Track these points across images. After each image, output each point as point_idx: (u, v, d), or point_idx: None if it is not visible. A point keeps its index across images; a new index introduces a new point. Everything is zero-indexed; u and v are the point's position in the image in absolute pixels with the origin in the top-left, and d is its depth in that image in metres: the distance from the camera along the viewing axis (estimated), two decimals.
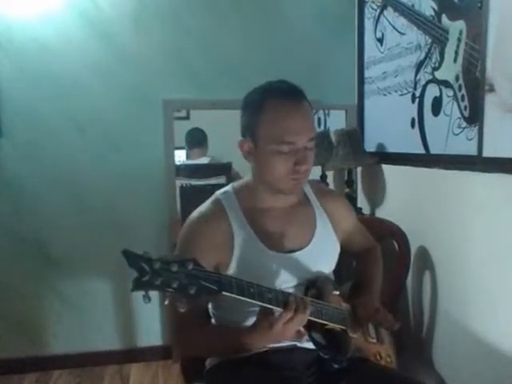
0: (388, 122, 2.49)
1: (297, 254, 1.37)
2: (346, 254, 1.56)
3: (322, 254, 1.42)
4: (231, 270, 1.29)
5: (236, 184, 1.44)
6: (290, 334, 1.15)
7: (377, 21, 2.52)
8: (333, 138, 2.65)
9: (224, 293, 1.06)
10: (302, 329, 1.17)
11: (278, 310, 1.14)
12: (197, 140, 3.05)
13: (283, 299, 1.14)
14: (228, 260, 1.31)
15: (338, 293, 1.41)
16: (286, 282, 1.31)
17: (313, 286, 1.34)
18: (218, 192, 1.42)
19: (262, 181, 1.35)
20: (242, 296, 1.09)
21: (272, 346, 1.30)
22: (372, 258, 1.61)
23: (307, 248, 1.39)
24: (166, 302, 1.03)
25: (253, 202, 1.38)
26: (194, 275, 1.01)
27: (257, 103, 1.29)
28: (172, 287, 0.98)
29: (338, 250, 1.48)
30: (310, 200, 1.47)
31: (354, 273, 1.62)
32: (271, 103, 1.26)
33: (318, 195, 1.49)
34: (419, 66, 2.16)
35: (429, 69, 2.09)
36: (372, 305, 1.42)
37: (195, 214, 1.38)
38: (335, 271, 1.51)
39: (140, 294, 0.96)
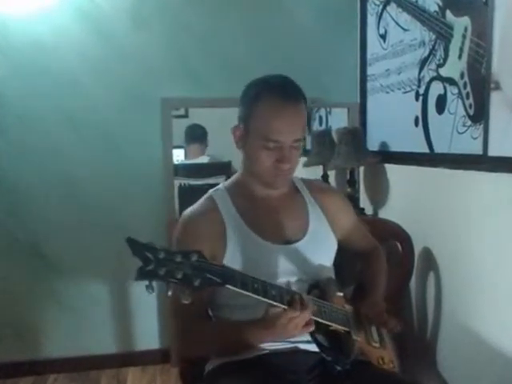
0: (391, 121, 2.47)
1: (293, 246, 1.38)
2: (348, 255, 1.55)
3: (319, 247, 1.42)
4: (225, 263, 1.28)
5: (227, 181, 1.49)
6: (293, 331, 1.16)
7: (380, 17, 2.51)
8: (335, 136, 2.63)
9: (228, 286, 1.07)
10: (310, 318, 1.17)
11: (281, 306, 1.14)
12: (196, 135, 3.04)
13: (288, 297, 1.15)
14: (222, 254, 1.32)
15: (341, 294, 1.41)
16: (286, 275, 1.31)
17: (316, 286, 1.34)
18: (211, 190, 1.46)
19: (249, 170, 1.40)
20: (246, 290, 1.10)
21: (273, 348, 1.31)
22: (375, 259, 1.60)
23: (303, 240, 1.40)
24: (169, 293, 1.02)
25: (244, 195, 1.41)
26: (199, 267, 1.02)
27: (252, 96, 1.33)
28: (176, 278, 0.99)
29: (335, 243, 1.48)
30: (300, 191, 1.50)
31: (357, 275, 1.61)
32: (264, 99, 1.30)
33: (311, 190, 1.51)
34: (423, 62, 2.14)
35: (433, 66, 2.07)
36: (376, 306, 1.42)
37: (188, 211, 1.42)
38: (338, 273, 1.49)
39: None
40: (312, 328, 1.19)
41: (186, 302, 1.01)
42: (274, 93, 1.30)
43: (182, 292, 1.01)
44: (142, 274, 0.97)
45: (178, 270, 0.99)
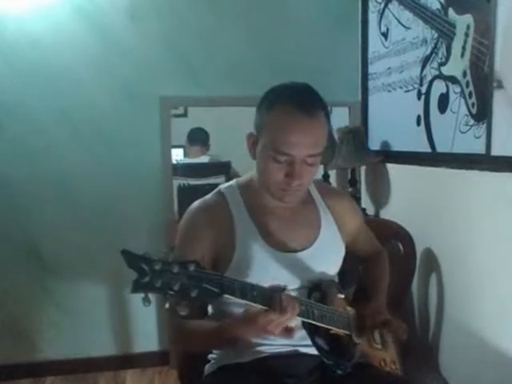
0: (393, 120, 2.46)
1: (299, 255, 1.34)
2: (351, 258, 1.53)
3: (326, 256, 1.39)
4: (233, 265, 1.29)
5: (241, 179, 1.43)
6: (273, 331, 1.12)
7: (381, 15, 2.49)
8: (336, 136, 2.61)
9: (226, 296, 1.05)
10: (292, 325, 1.14)
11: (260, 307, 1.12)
12: (198, 137, 3.03)
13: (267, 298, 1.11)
14: (230, 253, 1.30)
15: (343, 296, 1.39)
16: (289, 283, 1.27)
17: (317, 288, 1.33)
18: (222, 186, 1.42)
19: (259, 180, 1.34)
20: (245, 299, 1.08)
21: (273, 351, 1.30)
22: (379, 264, 1.58)
23: (310, 249, 1.36)
24: (167, 306, 1.02)
25: (256, 199, 1.37)
26: (196, 277, 1.00)
27: (269, 103, 1.27)
28: (173, 289, 0.97)
29: (343, 251, 1.45)
30: (314, 200, 1.45)
31: (359, 278, 1.59)
32: (281, 109, 1.23)
33: (323, 195, 1.47)
34: (425, 61, 2.13)
35: (435, 64, 2.06)
36: (380, 313, 1.39)
37: (196, 203, 1.38)
38: (340, 275, 1.48)
39: (139, 297, 0.95)
40: (292, 335, 1.15)
41: (184, 314, 1.01)
42: (290, 102, 1.22)
43: (179, 304, 1.01)
44: (138, 287, 0.95)
45: (174, 281, 0.97)
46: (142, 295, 0.95)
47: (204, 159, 3.07)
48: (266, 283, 1.13)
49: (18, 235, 2.54)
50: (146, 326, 2.69)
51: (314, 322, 1.22)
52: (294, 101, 1.22)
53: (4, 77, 2.44)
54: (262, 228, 1.33)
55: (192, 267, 0.99)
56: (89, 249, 2.58)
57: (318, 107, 1.25)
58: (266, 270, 1.28)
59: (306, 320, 1.22)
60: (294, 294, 1.22)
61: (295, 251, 1.34)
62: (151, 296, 0.96)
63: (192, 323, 1.28)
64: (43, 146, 2.51)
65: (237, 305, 1.25)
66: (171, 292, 0.97)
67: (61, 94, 2.48)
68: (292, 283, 1.29)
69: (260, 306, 1.10)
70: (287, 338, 1.16)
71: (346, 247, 1.46)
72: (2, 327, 2.57)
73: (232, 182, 1.42)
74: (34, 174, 2.52)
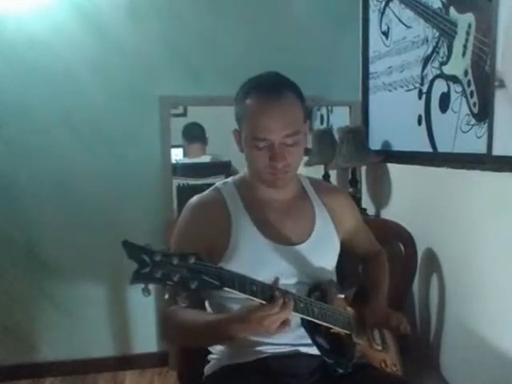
0: (394, 119, 2.45)
1: (295, 248, 1.36)
2: (351, 257, 1.54)
3: (321, 250, 1.40)
4: (227, 256, 1.31)
5: (236, 176, 1.47)
6: (269, 327, 1.11)
7: (382, 13, 2.49)
8: (336, 135, 2.61)
9: (226, 288, 1.06)
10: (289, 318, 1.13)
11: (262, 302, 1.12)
12: (196, 134, 3.01)
13: (268, 294, 1.11)
14: (225, 245, 1.32)
15: (342, 296, 1.40)
16: (286, 276, 1.29)
17: (317, 288, 1.33)
18: (218, 183, 1.45)
19: (250, 171, 1.39)
20: (244, 293, 1.08)
21: (274, 351, 1.31)
22: (378, 264, 1.59)
23: (306, 242, 1.38)
24: (166, 296, 1.03)
25: (251, 193, 1.40)
26: (196, 269, 1.01)
27: (242, 96, 1.31)
28: (173, 280, 0.98)
29: (338, 248, 1.47)
30: (309, 196, 1.47)
31: (359, 278, 1.60)
32: (252, 98, 1.28)
33: (318, 192, 1.48)
34: (426, 60, 2.12)
35: (436, 63, 2.05)
36: (381, 310, 1.40)
37: (194, 199, 1.41)
38: (340, 275, 1.48)
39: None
40: (288, 327, 1.14)
41: (184, 305, 1.02)
42: (257, 90, 1.28)
43: (178, 295, 1.02)
44: (138, 277, 0.95)
45: (174, 273, 0.97)
46: (142, 286, 0.96)
47: (205, 159, 3.05)
48: (262, 275, 1.13)
49: (17, 235, 2.54)
50: (145, 327, 2.67)
51: (313, 320, 1.22)
52: (261, 87, 1.28)
53: (4, 77, 2.44)
54: (258, 221, 1.35)
55: (192, 259, 1.00)
56: (88, 249, 2.57)
57: (285, 88, 1.29)
58: (263, 261, 1.30)
59: (305, 317, 1.22)
60: (292, 288, 1.22)
61: (292, 244, 1.36)
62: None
63: (183, 313, 1.26)
64: (43, 146, 2.51)
65: (234, 300, 1.26)
66: (170, 283, 0.97)
67: (61, 93, 2.48)
68: (289, 276, 1.31)
69: (259, 301, 1.10)
70: (283, 332, 1.15)
71: (344, 245, 1.48)
72: (2, 327, 2.57)
73: (228, 179, 1.46)
74: (33, 174, 2.52)
